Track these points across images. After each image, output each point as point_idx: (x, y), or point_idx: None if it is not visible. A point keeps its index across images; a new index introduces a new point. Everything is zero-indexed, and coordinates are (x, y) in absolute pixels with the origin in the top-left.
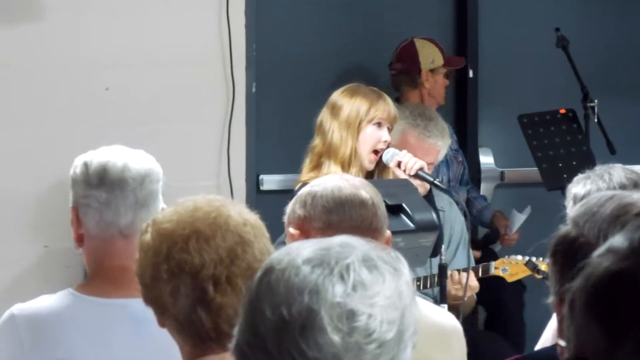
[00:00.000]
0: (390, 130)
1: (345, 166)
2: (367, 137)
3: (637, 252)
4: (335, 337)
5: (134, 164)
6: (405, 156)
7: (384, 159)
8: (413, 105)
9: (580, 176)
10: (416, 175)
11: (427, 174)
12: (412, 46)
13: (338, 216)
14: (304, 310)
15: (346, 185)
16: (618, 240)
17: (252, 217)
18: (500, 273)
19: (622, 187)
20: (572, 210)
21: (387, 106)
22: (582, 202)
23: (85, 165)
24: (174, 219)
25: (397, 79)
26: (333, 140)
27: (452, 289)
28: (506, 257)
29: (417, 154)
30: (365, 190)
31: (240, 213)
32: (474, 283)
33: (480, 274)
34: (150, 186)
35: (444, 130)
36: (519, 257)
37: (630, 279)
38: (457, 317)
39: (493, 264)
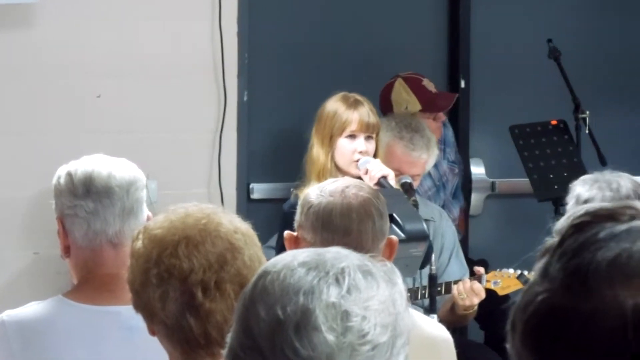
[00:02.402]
0: (372, 138)
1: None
2: (342, 150)
3: (573, 287)
4: (330, 337)
5: (119, 172)
6: (372, 164)
7: (358, 165)
8: (400, 116)
9: (588, 177)
10: (378, 183)
11: (388, 183)
12: (389, 90)
13: (322, 237)
14: (299, 310)
15: (340, 202)
16: (554, 265)
17: (244, 226)
18: (491, 286)
19: (628, 199)
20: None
21: (359, 116)
22: (568, 214)
23: (70, 175)
24: (165, 225)
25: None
26: (312, 156)
27: (458, 299)
28: (498, 270)
29: (402, 165)
30: (359, 212)
31: (231, 221)
32: (476, 285)
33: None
34: (136, 194)
35: (429, 142)
36: (511, 271)
37: (566, 318)
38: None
39: (485, 276)
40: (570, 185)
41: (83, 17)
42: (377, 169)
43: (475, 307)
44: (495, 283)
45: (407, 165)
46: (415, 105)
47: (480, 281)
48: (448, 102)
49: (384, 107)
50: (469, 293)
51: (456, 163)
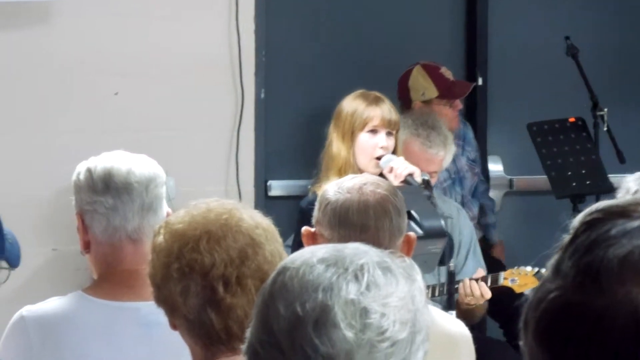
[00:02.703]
0: (393, 134)
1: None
2: (363, 146)
3: (584, 285)
4: (349, 334)
5: (139, 169)
6: (397, 162)
7: (381, 163)
8: (417, 113)
9: None
10: (405, 182)
11: (414, 181)
12: (407, 77)
13: (339, 234)
14: (318, 306)
15: (357, 199)
16: (566, 262)
17: (265, 221)
18: (509, 284)
19: None
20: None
21: (381, 112)
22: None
23: (89, 171)
24: (186, 220)
25: (399, 104)
26: (332, 152)
27: (464, 299)
28: (515, 267)
29: (420, 163)
30: (376, 209)
31: (253, 216)
32: (487, 293)
33: (489, 284)
34: (155, 190)
35: (446, 139)
36: (528, 268)
37: (578, 316)
38: (467, 323)
39: (502, 274)
40: (623, 178)
41: (100, 15)
42: (403, 166)
43: (484, 304)
44: (512, 280)
45: (424, 163)
46: (432, 91)
47: (497, 280)
48: (465, 90)
49: (402, 94)
50: (477, 297)
51: (476, 162)
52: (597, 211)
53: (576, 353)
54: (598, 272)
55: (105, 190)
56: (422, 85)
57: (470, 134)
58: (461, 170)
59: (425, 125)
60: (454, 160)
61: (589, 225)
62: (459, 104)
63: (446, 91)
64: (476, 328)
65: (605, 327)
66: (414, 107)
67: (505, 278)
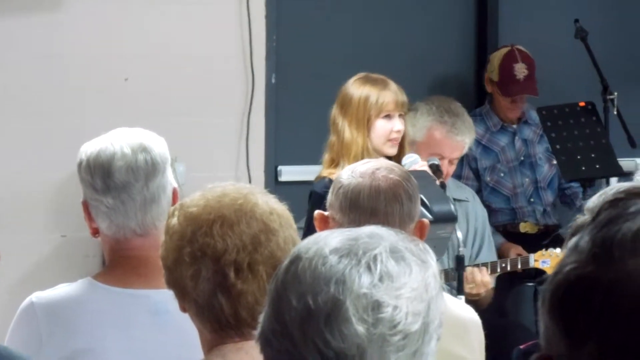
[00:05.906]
0: (402, 116)
1: None
2: (379, 132)
3: (598, 256)
4: (360, 328)
5: (137, 161)
6: (420, 167)
7: (403, 163)
8: (439, 100)
9: None
10: None
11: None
12: (495, 50)
13: (349, 218)
14: (330, 300)
15: (369, 184)
16: (584, 238)
17: (280, 207)
18: (540, 266)
19: None
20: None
21: (394, 96)
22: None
23: (89, 167)
24: (201, 203)
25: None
26: (345, 139)
27: (466, 287)
28: (544, 249)
29: (443, 149)
30: (387, 194)
31: (268, 202)
32: (486, 279)
33: (519, 266)
34: (156, 181)
35: (470, 126)
36: (558, 250)
37: (589, 287)
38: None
39: (532, 256)
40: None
41: (111, 2)
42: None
43: (486, 294)
44: (543, 262)
45: (449, 149)
46: (494, 74)
47: (528, 262)
48: (518, 93)
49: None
50: (478, 284)
51: (555, 155)
52: (620, 192)
53: (586, 323)
54: (611, 244)
55: (105, 190)
56: (493, 65)
57: None
58: (534, 156)
59: (450, 112)
60: (526, 144)
61: (611, 204)
62: (522, 99)
63: (502, 83)
64: (491, 309)
65: (616, 298)
66: (485, 78)
67: (536, 260)
